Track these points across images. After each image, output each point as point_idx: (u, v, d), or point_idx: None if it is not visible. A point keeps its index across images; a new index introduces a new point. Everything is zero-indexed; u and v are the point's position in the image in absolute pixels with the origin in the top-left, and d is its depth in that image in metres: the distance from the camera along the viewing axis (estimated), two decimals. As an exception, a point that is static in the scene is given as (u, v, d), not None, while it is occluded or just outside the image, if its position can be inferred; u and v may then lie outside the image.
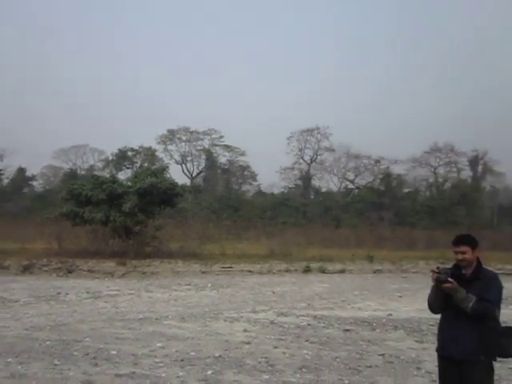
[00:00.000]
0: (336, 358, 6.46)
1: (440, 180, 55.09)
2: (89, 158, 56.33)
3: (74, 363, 6.07)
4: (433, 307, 3.58)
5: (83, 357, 6.38)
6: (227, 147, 53.18)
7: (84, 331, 8.00)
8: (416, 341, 7.47)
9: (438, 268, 3.41)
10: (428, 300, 3.61)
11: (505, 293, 10.94)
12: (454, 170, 55.08)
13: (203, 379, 5.54)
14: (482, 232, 37.95)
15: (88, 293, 12.71)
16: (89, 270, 17.54)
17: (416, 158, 53.76)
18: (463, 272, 3.42)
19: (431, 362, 5.59)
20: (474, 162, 53.60)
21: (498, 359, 3.41)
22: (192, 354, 6.63)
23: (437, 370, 3.70)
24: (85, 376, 5.56)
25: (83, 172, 52.21)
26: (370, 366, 6.08)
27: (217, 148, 53.91)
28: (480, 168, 53.99)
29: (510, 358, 3.48)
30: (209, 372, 5.79)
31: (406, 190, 53.13)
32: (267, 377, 5.63)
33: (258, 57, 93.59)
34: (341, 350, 6.94)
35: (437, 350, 3.62)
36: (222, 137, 52.48)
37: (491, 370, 3.37)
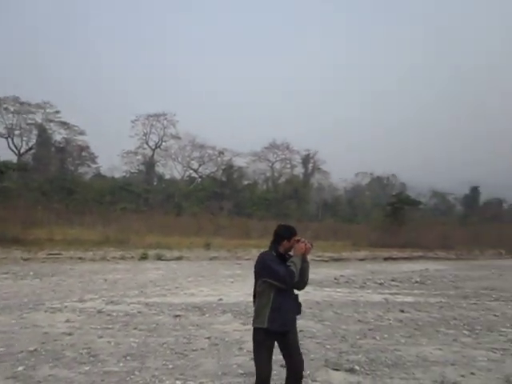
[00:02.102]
0: (163, 343, 6.46)
1: (276, 175, 59.42)
2: None
3: None
4: (298, 280, 3.79)
5: None
6: (64, 124, 48.58)
7: None
8: (241, 323, 7.90)
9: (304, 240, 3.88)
10: (294, 276, 3.70)
11: (321, 277, 12.30)
12: (289, 166, 60.08)
13: (12, 376, 4.99)
14: (308, 224, 42.17)
15: None
16: None
17: (256, 153, 57.09)
18: None
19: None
20: (305, 160, 59.21)
21: None
22: (1, 349, 5.93)
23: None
24: None
25: None
26: (196, 350, 6.23)
27: (51, 124, 48.80)
28: (310, 166, 59.86)
29: None
30: (20, 368, 5.24)
31: (246, 182, 55.98)
32: (87, 368, 5.33)
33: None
34: (169, 335, 6.96)
35: (275, 328, 3.74)
36: (58, 112, 47.74)
37: None
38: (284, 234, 3.94)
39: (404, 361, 5.96)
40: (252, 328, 3.93)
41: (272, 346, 3.88)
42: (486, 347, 6.79)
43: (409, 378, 5.28)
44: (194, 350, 6.20)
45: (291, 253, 3.93)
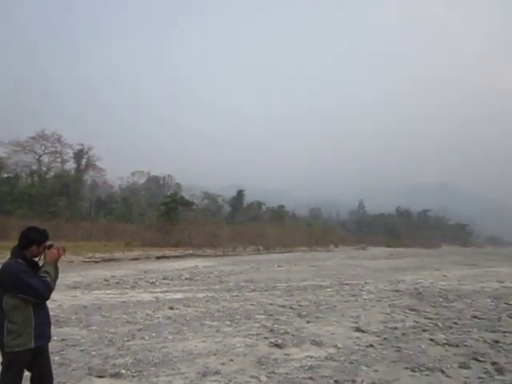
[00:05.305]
0: None
1: (44, 168, 53.77)
2: None
3: None
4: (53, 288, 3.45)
5: None
6: None
7: None
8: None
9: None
10: (51, 288, 3.39)
11: (90, 280, 11.62)
12: (59, 160, 55.17)
13: None
14: (79, 223, 39.58)
15: None
16: None
17: (20, 143, 50.52)
18: None
19: None
20: (78, 155, 55.42)
21: None
22: None
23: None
24: None
25: None
26: None
27: None
28: (84, 162, 56.30)
29: None
30: None
31: (5, 175, 48.91)
32: None
33: None
34: None
35: (40, 344, 3.41)
36: None
37: None
38: (35, 239, 3.47)
39: (171, 357, 6.07)
40: (5, 352, 3.32)
41: (25, 365, 3.43)
42: (243, 334, 7.51)
43: (175, 374, 5.40)
44: None
45: (36, 259, 3.54)
